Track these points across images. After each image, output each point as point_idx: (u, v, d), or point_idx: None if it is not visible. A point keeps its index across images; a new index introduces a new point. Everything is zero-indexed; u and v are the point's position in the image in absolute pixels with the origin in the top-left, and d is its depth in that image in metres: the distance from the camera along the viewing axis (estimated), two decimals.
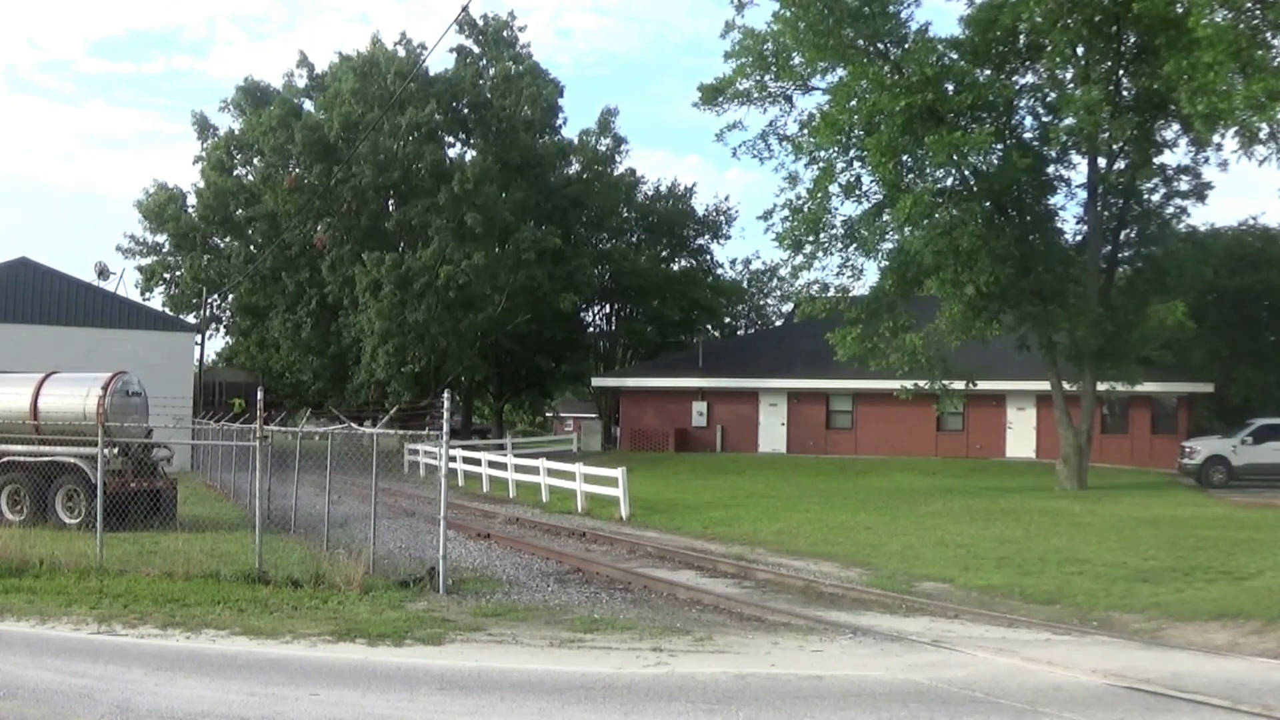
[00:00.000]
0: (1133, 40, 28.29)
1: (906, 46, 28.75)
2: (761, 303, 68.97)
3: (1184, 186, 30.37)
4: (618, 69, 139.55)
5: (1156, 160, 29.52)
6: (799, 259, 30.14)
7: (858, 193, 29.85)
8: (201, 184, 53.40)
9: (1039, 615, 12.12)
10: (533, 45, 76.25)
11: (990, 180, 27.98)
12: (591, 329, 60.38)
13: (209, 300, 52.55)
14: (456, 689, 8.67)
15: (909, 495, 27.14)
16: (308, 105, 52.96)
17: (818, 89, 30.74)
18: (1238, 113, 22.67)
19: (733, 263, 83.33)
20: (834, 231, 30.03)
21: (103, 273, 44.09)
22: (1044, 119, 29.47)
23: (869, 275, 45.80)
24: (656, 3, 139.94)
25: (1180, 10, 24.47)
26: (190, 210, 53.86)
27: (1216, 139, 26.89)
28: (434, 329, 45.98)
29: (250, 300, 54.49)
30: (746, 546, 18.23)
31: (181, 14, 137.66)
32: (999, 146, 28.12)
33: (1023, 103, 29.87)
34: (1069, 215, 34.34)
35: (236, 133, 53.41)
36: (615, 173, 57.83)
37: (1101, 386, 30.20)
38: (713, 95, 31.20)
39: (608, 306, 59.87)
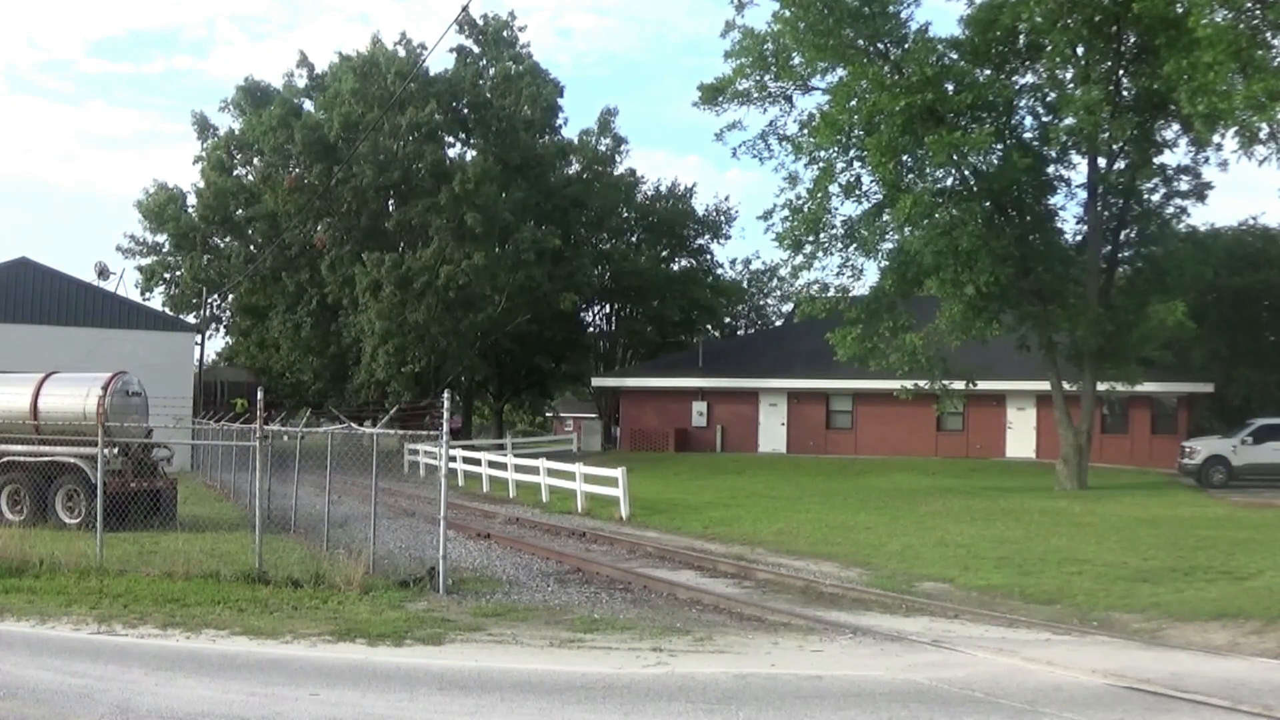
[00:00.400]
0: (1133, 40, 28.29)
1: (906, 46, 28.75)
2: (761, 303, 69.00)
3: (1184, 186, 30.40)
4: (618, 69, 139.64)
5: (1156, 160, 29.53)
6: (799, 259, 30.16)
7: (858, 193, 29.87)
8: (201, 184, 53.40)
9: (1039, 615, 12.12)
10: (533, 45, 76.33)
11: (990, 180, 27.98)
12: (591, 329, 60.38)
13: (209, 300, 52.55)
14: (456, 689, 8.67)
15: (909, 495, 27.14)
16: (308, 105, 52.96)
17: (818, 89, 30.79)
18: (1238, 113, 22.66)
19: (733, 263, 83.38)
20: (834, 231, 30.04)
21: (103, 273, 44.10)
22: (1044, 119, 29.48)
23: (869, 275, 45.87)
24: (656, 3, 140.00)
25: (1180, 10, 24.47)
26: (190, 210, 53.86)
27: (1216, 139, 26.90)
28: (434, 329, 45.98)
29: (250, 300, 54.49)
30: (746, 546, 18.23)
31: (181, 14, 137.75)
32: (999, 146, 28.11)
33: (1023, 103, 29.89)
34: (1069, 215, 34.37)
35: (236, 133, 53.41)
36: (615, 173, 57.83)
37: (1101, 386, 30.20)
38: (713, 95, 31.20)
39: (608, 306, 59.86)
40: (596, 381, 53.20)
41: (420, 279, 45.37)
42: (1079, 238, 31.31)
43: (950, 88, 27.89)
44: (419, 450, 35.74)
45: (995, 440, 41.60)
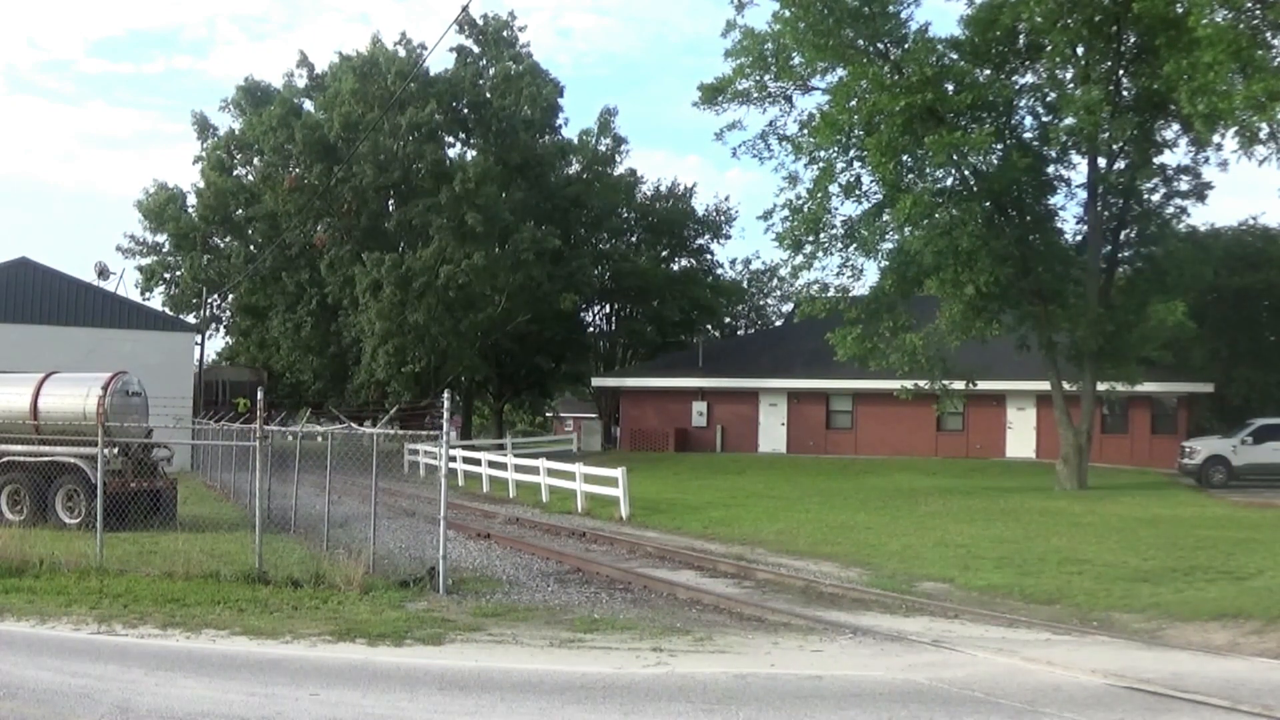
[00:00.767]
0: (1133, 40, 28.30)
1: (906, 47, 28.76)
2: (761, 303, 68.96)
3: (1184, 186, 30.43)
4: (618, 69, 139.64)
5: (1156, 160, 29.57)
6: (799, 259, 30.16)
7: (858, 193, 29.88)
8: (201, 184, 53.36)
9: (1039, 615, 12.12)
10: (533, 45, 76.32)
11: (990, 180, 27.98)
12: (591, 329, 60.35)
13: (209, 300, 52.53)
14: (456, 689, 8.67)
15: (909, 495, 27.14)
16: (308, 105, 52.93)
17: (818, 89, 30.81)
18: (1238, 113, 22.67)
19: (733, 263, 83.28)
20: (834, 231, 30.05)
21: (103, 273, 44.11)
22: (1044, 119, 29.49)
23: (869, 275, 45.79)
24: (656, 3, 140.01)
25: (1180, 10, 24.47)
26: (190, 210, 53.83)
27: (1216, 139, 26.92)
28: (434, 329, 45.96)
29: (250, 300, 54.46)
30: (746, 546, 18.23)
31: (181, 14, 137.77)
32: (999, 146, 28.13)
33: (1023, 103, 29.90)
34: (1069, 215, 34.38)
35: (236, 133, 53.38)
36: (615, 173, 57.80)
37: (1101, 386, 30.21)
38: (712, 95, 31.20)
39: (608, 306, 59.84)
40: (596, 381, 53.20)
41: (420, 279, 45.35)
42: (1079, 238, 31.32)
43: (950, 88, 27.89)
44: (419, 450, 35.74)
45: (995, 440, 41.60)
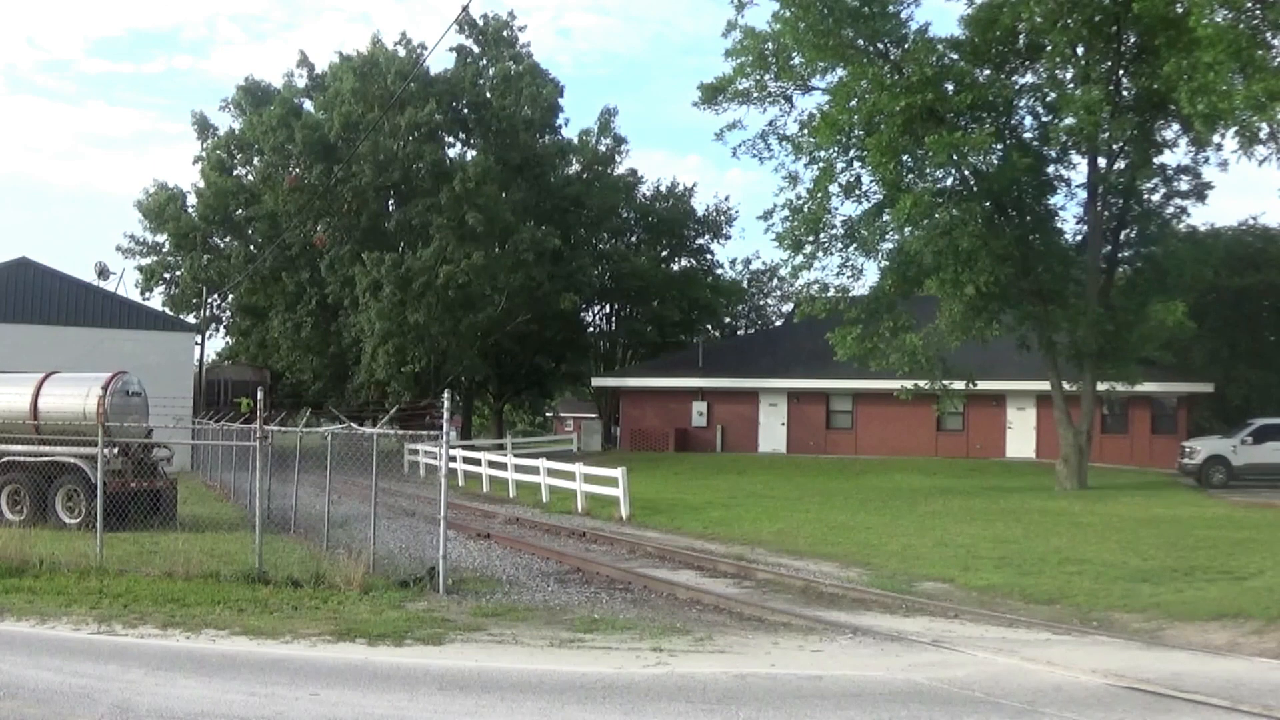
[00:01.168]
0: (1133, 40, 28.31)
1: (906, 46, 28.76)
2: (761, 303, 68.94)
3: (1184, 186, 30.45)
4: (618, 69, 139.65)
5: (1156, 160, 29.57)
6: (799, 259, 30.16)
7: (858, 193, 29.89)
8: (201, 184, 53.35)
9: (1039, 615, 12.12)
10: (533, 45, 76.14)
11: (990, 180, 27.98)
12: (591, 329, 60.34)
13: (209, 300, 52.52)
14: (456, 689, 8.67)
15: (909, 495, 27.14)
16: (308, 105, 52.91)
17: (818, 89, 30.79)
18: (1238, 113, 22.68)
19: (733, 263, 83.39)
20: (834, 231, 30.06)
21: (103, 273, 44.15)
22: (1044, 119, 29.47)
23: (869, 275, 45.76)
24: (657, 2, 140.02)
25: (1180, 10, 24.48)
26: (190, 210, 53.80)
27: (1216, 139, 26.94)
28: (434, 329, 45.96)
29: (250, 300, 54.46)
30: (746, 546, 18.23)
31: (181, 14, 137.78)
32: (999, 146, 28.12)
33: (1023, 103, 29.90)
34: (1069, 215, 34.36)
35: (236, 132, 53.36)
36: (615, 173, 57.77)
37: (1101, 386, 30.20)
38: (713, 94, 31.19)
39: (608, 306, 59.83)
40: (596, 381, 53.20)
41: (420, 279, 45.35)
42: (1079, 238, 31.33)
43: (950, 88, 27.89)
44: (419, 450, 35.74)
45: (995, 440, 41.60)
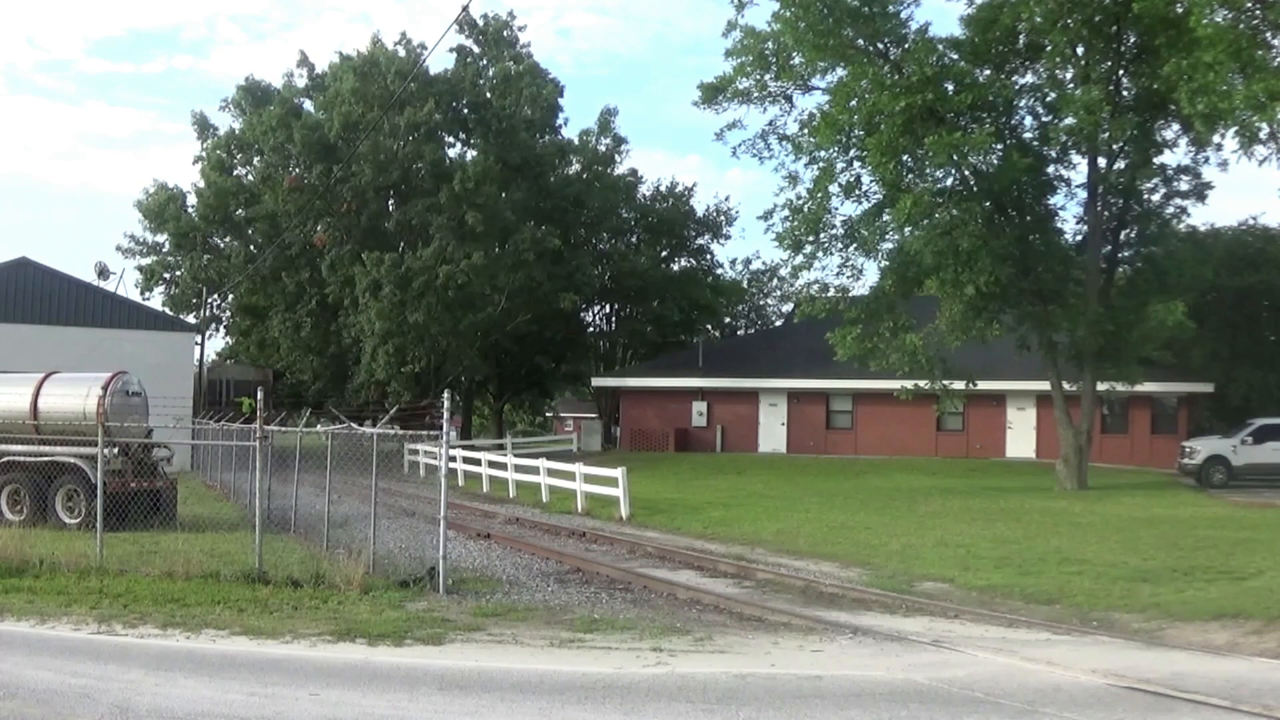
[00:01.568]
0: (1133, 40, 28.31)
1: (906, 46, 28.76)
2: (761, 303, 68.97)
3: (1184, 186, 30.44)
4: (618, 69, 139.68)
5: (1156, 160, 29.56)
6: (799, 259, 30.18)
7: (858, 193, 29.89)
8: (201, 184, 53.34)
9: (1039, 615, 12.12)
10: (533, 45, 75.95)
11: (990, 180, 27.98)
12: (591, 329, 60.35)
13: (209, 300, 52.52)
14: (456, 689, 8.67)
15: (909, 495, 27.13)
16: (308, 105, 52.91)
17: (818, 89, 30.79)
18: (1238, 113, 22.67)
19: (733, 263, 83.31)
20: (834, 231, 30.06)
21: (103, 273, 44.13)
22: (1044, 119, 29.48)
23: (869, 275, 45.86)
24: (657, 2, 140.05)
25: (1180, 10, 24.48)
26: (190, 210, 53.79)
27: (1216, 139, 26.94)
28: (434, 329, 45.96)
29: (250, 300, 54.45)
30: (746, 546, 18.22)
31: (181, 14, 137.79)
32: (999, 146, 28.11)
33: (1023, 103, 29.89)
34: (1069, 215, 34.44)
35: (236, 132, 53.35)
36: (615, 173, 57.77)
37: (1101, 386, 30.21)
38: (713, 94, 31.20)
39: (608, 306, 59.83)
40: (596, 381, 53.20)
41: (420, 279, 45.35)
42: (1079, 238, 31.32)
43: (950, 88, 27.88)
44: (419, 450, 35.74)
45: (995, 440, 41.60)
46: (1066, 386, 29.98)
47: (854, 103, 27.92)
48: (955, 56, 29.14)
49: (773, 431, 44.89)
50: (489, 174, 47.22)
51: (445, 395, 15.13)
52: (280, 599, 12.20)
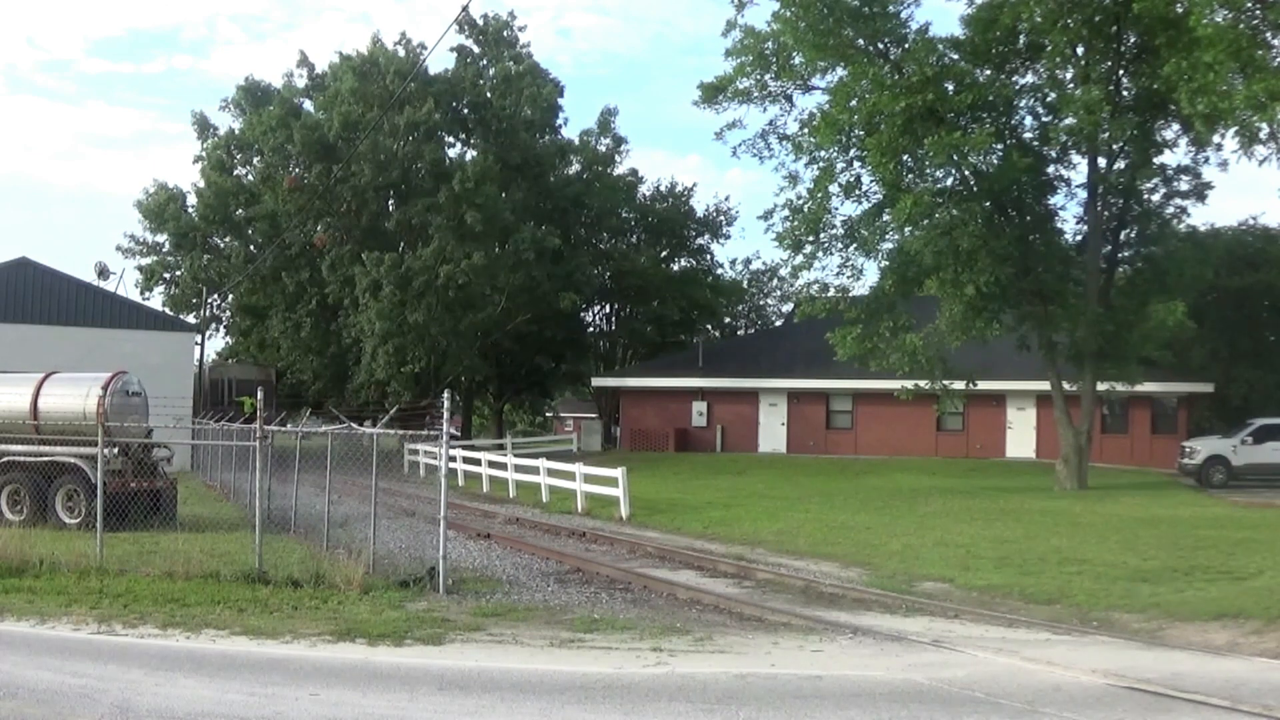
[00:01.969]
0: (1133, 40, 28.31)
1: (906, 46, 28.75)
2: (761, 303, 68.91)
3: (1184, 186, 30.41)
4: (618, 69, 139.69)
5: (1156, 160, 29.54)
6: (799, 259, 30.16)
7: (858, 193, 29.87)
8: (201, 184, 53.34)
9: (1039, 615, 12.12)
10: (533, 45, 76.05)
11: (990, 180, 27.97)
12: (591, 329, 60.33)
13: (209, 300, 52.52)
14: (456, 689, 8.67)
15: (909, 495, 27.13)
16: (308, 105, 52.89)
17: (818, 88, 30.77)
18: (1238, 113, 22.65)
19: (733, 263, 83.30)
20: (834, 231, 30.04)
21: (103, 273, 44.12)
22: (1044, 119, 29.48)
23: (869, 275, 45.82)
24: (657, 2, 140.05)
25: (1180, 10, 24.47)
26: (190, 210, 53.80)
27: (1216, 139, 26.93)
28: (434, 329, 45.95)
29: (250, 300, 54.44)
30: (746, 546, 18.23)
31: (181, 14, 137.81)
32: (999, 146, 28.11)
33: (1023, 103, 29.88)
34: (1069, 215, 34.40)
35: (236, 132, 53.34)
36: (615, 172, 57.77)
37: (1101, 386, 30.20)
38: (713, 94, 31.18)
39: (608, 306, 59.82)
40: (596, 381, 53.18)
41: (420, 279, 45.34)
42: (1079, 238, 31.32)
43: (950, 88, 27.88)
44: (419, 450, 35.73)
45: (995, 440, 41.59)
46: (1066, 386, 29.98)
47: (854, 103, 27.90)
48: (955, 56, 29.14)
49: (773, 431, 44.89)
50: (489, 174, 47.20)
51: (445, 395, 15.13)
52: (280, 599, 12.20)
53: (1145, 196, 30.26)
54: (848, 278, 31.08)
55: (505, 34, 53.05)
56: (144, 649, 10.02)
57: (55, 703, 7.94)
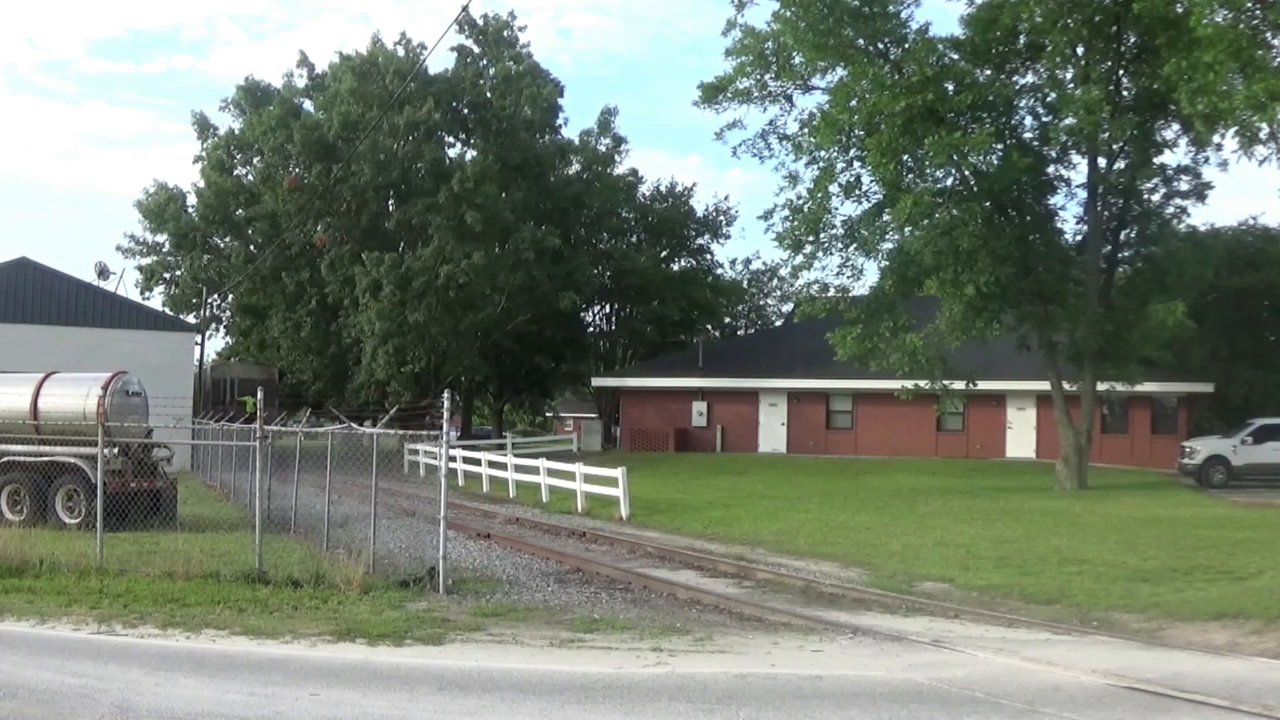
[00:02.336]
0: (1133, 40, 28.31)
1: (906, 46, 28.75)
2: (761, 303, 68.93)
3: (1184, 186, 30.42)
4: (618, 69, 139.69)
5: (1156, 160, 29.54)
6: (799, 259, 30.16)
7: (858, 193, 29.88)
8: (201, 184, 53.36)
9: (1039, 615, 12.12)
10: (533, 45, 76.18)
11: (990, 180, 27.97)
12: (591, 329, 60.36)
13: (209, 300, 52.52)
14: (456, 689, 8.67)
15: (909, 495, 27.13)
16: (307, 105, 52.92)
17: (818, 88, 30.77)
18: (1238, 113, 22.66)
19: (733, 263, 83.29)
20: (834, 231, 30.04)
21: (103, 273, 44.12)
22: (1044, 119, 29.47)
23: (869, 275, 45.85)
24: (657, 2, 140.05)
25: (1180, 10, 24.47)
26: (190, 210, 53.82)
27: (1216, 139, 26.93)
28: (434, 329, 45.96)
29: (250, 300, 54.46)
30: (746, 546, 18.22)
31: (181, 14, 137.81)
32: (999, 146, 28.11)
33: (1023, 103, 29.88)
34: (1069, 215, 34.40)
35: (236, 132, 53.36)
36: (615, 172, 57.80)
37: (1101, 386, 30.19)
38: (713, 93, 31.18)
39: (608, 306, 59.84)
40: (596, 381, 53.18)
41: (420, 279, 45.35)
42: (1079, 238, 31.32)
43: (950, 88, 27.88)
44: (419, 450, 35.73)
45: (995, 440, 41.58)
46: (1066, 386, 29.98)
47: (854, 103, 27.90)
48: (955, 56, 29.14)
49: (773, 431, 44.88)
50: (489, 174, 47.21)
51: (445, 395, 15.13)
52: (280, 599, 12.20)
53: (1145, 196, 30.27)
54: (848, 278, 31.14)
55: (505, 34, 53.08)
56: (144, 649, 10.01)
57: (55, 703, 7.93)
